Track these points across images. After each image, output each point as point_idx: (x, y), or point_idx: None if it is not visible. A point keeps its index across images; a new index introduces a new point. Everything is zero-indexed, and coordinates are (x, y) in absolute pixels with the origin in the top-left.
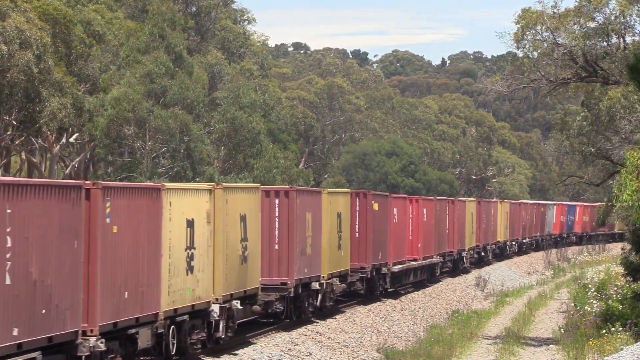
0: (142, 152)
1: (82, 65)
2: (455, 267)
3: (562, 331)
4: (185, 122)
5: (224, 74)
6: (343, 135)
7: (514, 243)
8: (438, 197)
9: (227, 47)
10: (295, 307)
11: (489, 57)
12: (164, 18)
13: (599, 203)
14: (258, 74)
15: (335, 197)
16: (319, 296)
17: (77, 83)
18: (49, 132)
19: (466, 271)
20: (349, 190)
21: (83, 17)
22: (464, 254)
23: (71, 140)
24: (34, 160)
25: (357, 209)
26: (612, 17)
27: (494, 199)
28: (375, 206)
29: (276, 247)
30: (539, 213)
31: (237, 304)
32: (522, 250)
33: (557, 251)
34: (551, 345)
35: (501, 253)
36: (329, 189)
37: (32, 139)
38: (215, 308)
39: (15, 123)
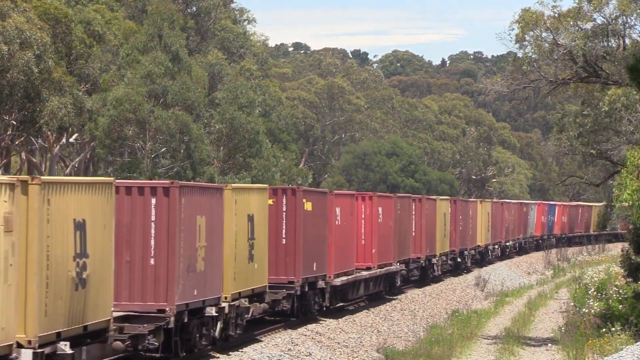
0: (142, 152)
1: (82, 65)
2: (424, 275)
3: (562, 331)
4: (185, 122)
5: (224, 74)
6: (343, 135)
7: (496, 247)
8: (399, 195)
9: (227, 47)
10: (182, 341)
11: (489, 57)
12: (163, 17)
13: (578, 202)
14: (258, 74)
15: (245, 196)
16: (218, 324)
17: (77, 83)
18: (49, 132)
19: (438, 279)
20: (266, 186)
21: (83, 17)
22: (434, 260)
23: (71, 140)
24: (34, 160)
25: (284, 209)
26: (612, 18)
27: (473, 199)
28: (308, 206)
29: (152, 262)
30: (521, 213)
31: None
32: (505, 255)
33: (557, 251)
34: (551, 345)
35: (482, 258)
36: (235, 184)
37: (32, 139)
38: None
39: (15, 123)
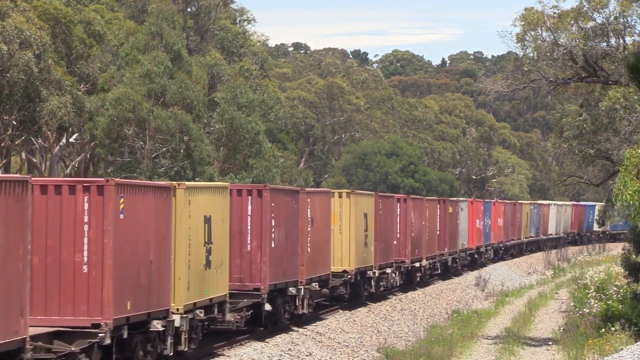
0: (142, 152)
1: (82, 65)
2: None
3: (562, 331)
4: (185, 122)
5: (224, 74)
6: (343, 136)
7: (391, 273)
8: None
9: (226, 47)
10: None
11: (489, 57)
12: (163, 17)
13: (514, 201)
14: (257, 74)
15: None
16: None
17: (77, 83)
18: (49, 132)
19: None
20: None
21: (83, 17)
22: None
23: (71, 140)
24: (34, 160)
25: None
26: (612, 18)
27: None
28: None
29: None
30: (443, 215)
31: None
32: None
33: (557, 252)
34: (551, 345)
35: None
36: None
37: (32, 139)
38: None
39: (15, 123)
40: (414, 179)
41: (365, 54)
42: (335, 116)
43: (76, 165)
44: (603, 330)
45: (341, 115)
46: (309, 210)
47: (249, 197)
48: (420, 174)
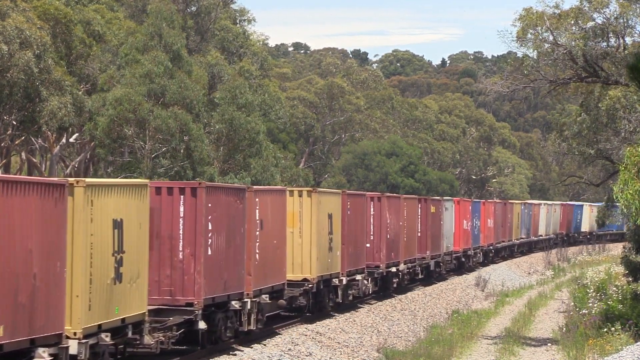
0: (142, 152)
1: (82, 65)
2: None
3: (562, 331)
4: (185, 122)
5: (224, 74)
6: (343, 135)
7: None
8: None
9: (226, 47)
10: None
11: (489, 57)
12: (162, 16)
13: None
14: (257, 74)
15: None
16: None
17: (77, 83)
18: (49, 132)
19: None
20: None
21: (83, 17)
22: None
23: (71, 140)
24: (34, 160)
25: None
26: (612, 18)
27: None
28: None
29: None
30: (424, 215)
31: None
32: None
33: (557, 251)
34: (551, 345)
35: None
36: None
37: (32, 139)
38: None
39: (15, 123)
40: (414, 179)
41: (365, 54)
42: (335, 116)
43: (76, 166)
44: (603, 330)
45: (341, 115)
46: (257, 211)
47: (181, 197)
48: (420, 174)
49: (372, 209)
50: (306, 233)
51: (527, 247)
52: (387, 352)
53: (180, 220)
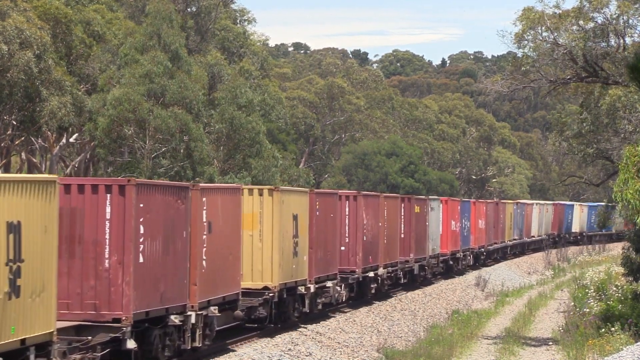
0: (142, 152)
1: (82, 65)
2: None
3: (562, 331)
4: (185, 122)
5: (224, 74)
6: (343, 135)
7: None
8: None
9: (227, 47)
10: None
11: (489, 57)
12: (161, 17)
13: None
14: (257, 74)
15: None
16: None
17: (77, 83)
18: (49, 132)
19: None
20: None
21: (83, 17)
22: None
23: (71, 140)
24: (34, 160)
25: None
26: (612, 18)
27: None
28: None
29: None
30: (408, 215)
31: None
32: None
33: (556, 251)
34: (551, 345)
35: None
36: None
37: (32, 139)
38: None
39: (15, 123)
40: (414, 179)
41: (365, 54)
42: (335, 116)
43: (76, 166)
44: (603, 330)
45: (341, 115)
46: (204, 212)
47: (108, 196)
48: (420, 174)
49: (347, 209)
50: (267, 236)
51: (520, 249)
52: (387, 352)
53: (107, 222)
